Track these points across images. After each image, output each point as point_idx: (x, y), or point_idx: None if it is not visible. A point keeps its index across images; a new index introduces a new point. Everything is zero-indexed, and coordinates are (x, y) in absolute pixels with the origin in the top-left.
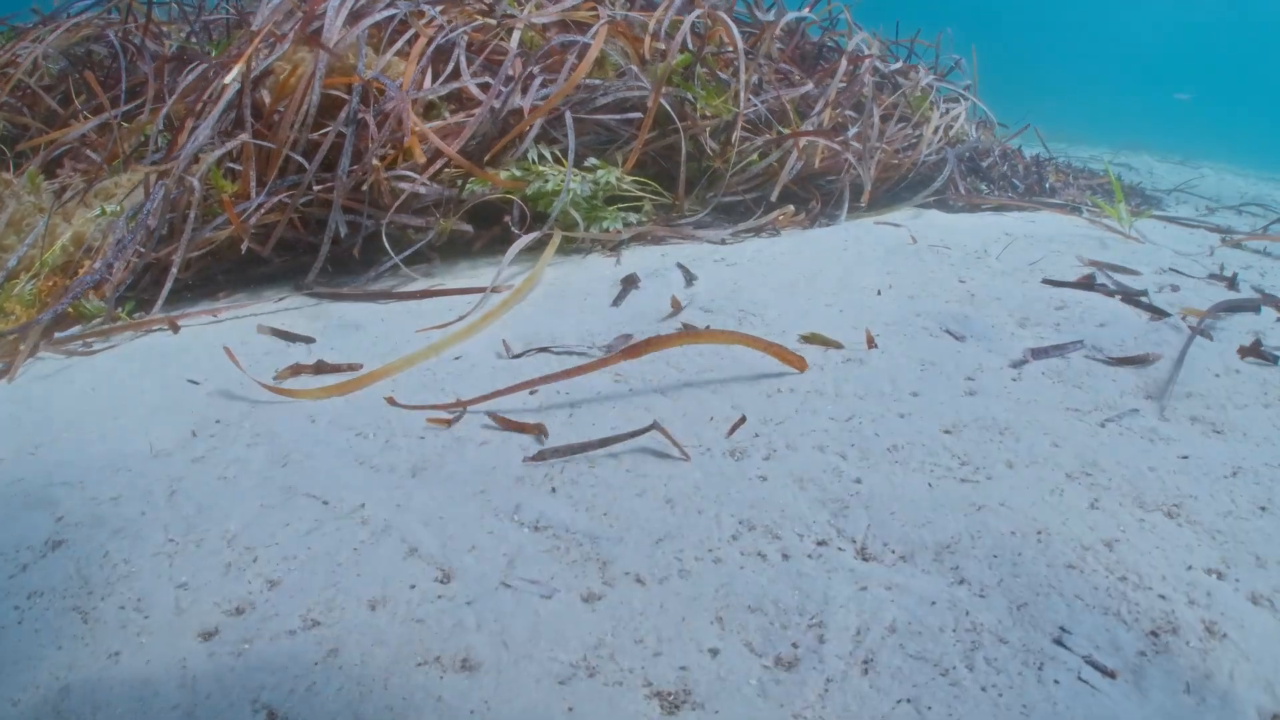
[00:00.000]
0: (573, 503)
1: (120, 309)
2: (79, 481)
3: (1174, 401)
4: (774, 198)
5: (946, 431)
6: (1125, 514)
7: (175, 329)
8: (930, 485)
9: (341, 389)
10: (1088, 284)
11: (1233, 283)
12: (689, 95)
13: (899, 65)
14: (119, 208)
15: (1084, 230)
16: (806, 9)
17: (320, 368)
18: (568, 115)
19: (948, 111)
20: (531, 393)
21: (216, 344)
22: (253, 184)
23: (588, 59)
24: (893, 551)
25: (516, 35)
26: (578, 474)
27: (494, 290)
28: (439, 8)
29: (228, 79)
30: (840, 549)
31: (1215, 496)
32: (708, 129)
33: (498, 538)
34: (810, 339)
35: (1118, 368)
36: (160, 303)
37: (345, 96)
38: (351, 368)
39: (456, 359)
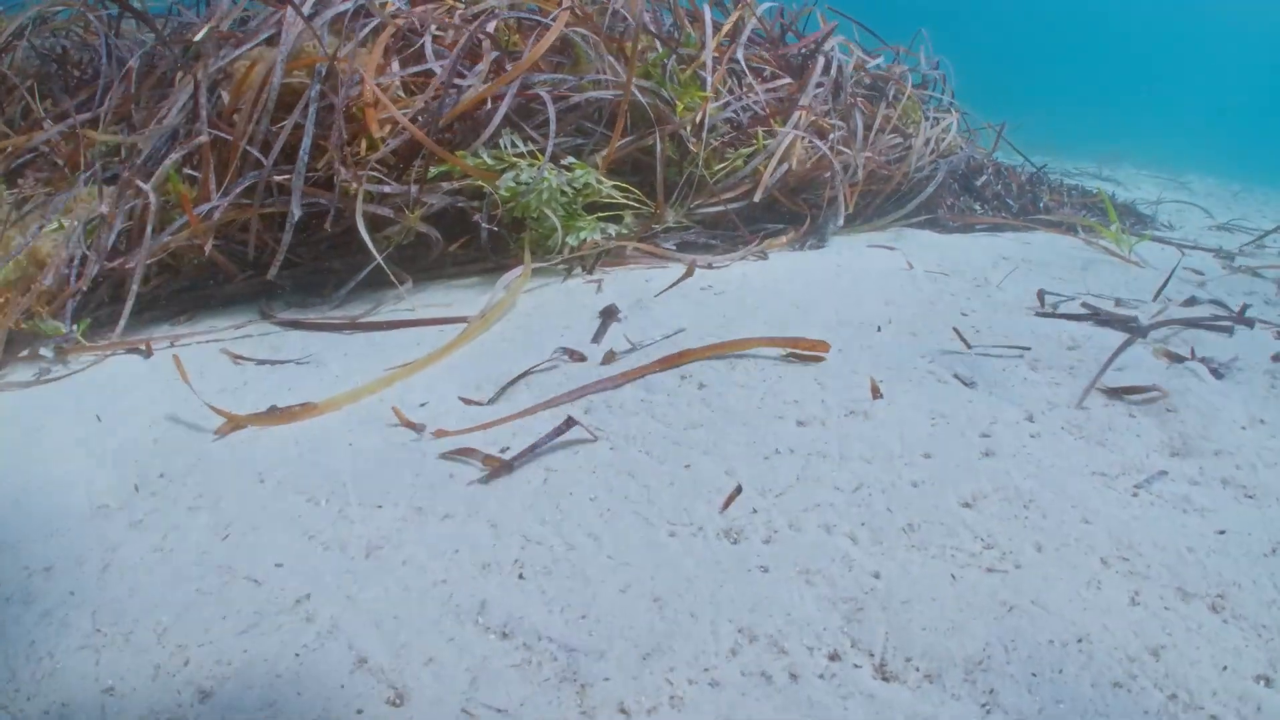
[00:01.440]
0: (545, 599)
1: (76, 327)
2: (14, 543)
3: (1202, 460)
4: (756, 198)
5: (966, 505)
6: (1169, 611)
7: (149, 352)
8: (954, 577)
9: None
10: (1095, 317)
11: (1241, 314)
12: (664, 91)
13: (881, 65)
14: (75, 222)
15: (1082, 253)
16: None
17: (272, 415)
18: (548, 99)
19: (938, 122)
20: (502, 450)
21: (171, 378)
22: (213, 185)
23: (553, 31)
24: (917, 669)
25: (491, 26)
26: (552, 559)
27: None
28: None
29: (197, 37)
30: (856, 665)
31: (1258, 583)
32: (687, 125)
33: (459, 647)
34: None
35: (1140, 419)
36: (123, 321)
37: (307, 81)
38: (307, 411)
39: (422, 405)
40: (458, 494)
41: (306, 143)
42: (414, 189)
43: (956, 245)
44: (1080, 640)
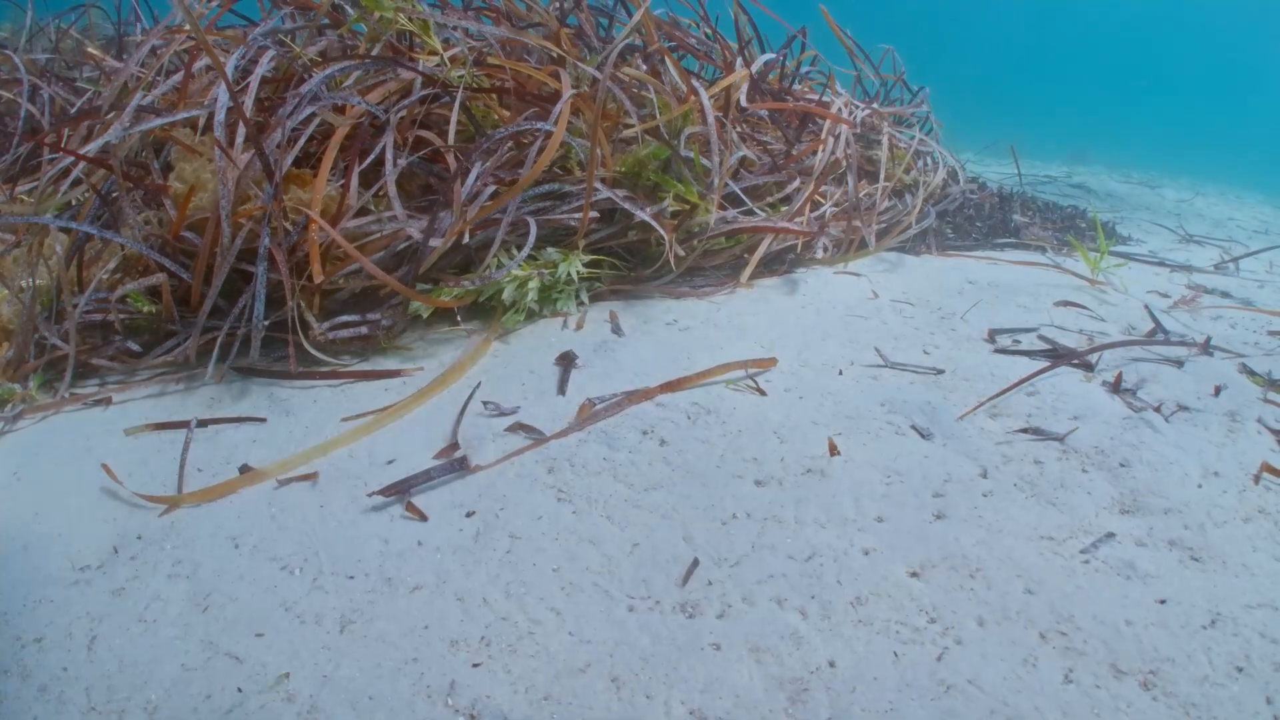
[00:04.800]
0: (511, 679)
1: (31, 383)
2: (3, 612)
3: (1152, 519)
4: (744, 279)
5: (914, 574)
6: (1100, 689)
7: (108, 402)
8: (896, 655)
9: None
10: (1054, 354)
11: (1205, 347)
12: (663, 192)
13: (868, 111)
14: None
15: (1050, 279)
16: (784, 56)
17: (244, 475)
18: (532, 223)
19: (924, 166)
20: (468, 515)
21: (138, 436)
22: (175, 312)
23: (545, 156)
24: None
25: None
26: (516, 636)
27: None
28: (364, 92)
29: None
30: None
31: (1192, 658)
32: (675, 234)
33: None
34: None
35: (1093, 474)
36: (67, 381)
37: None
38: (264, 474)
39: (390, 463)
40: (426, 563)
41: (259, 308)
42: (383, 322)
43: (924, 269)
44: None
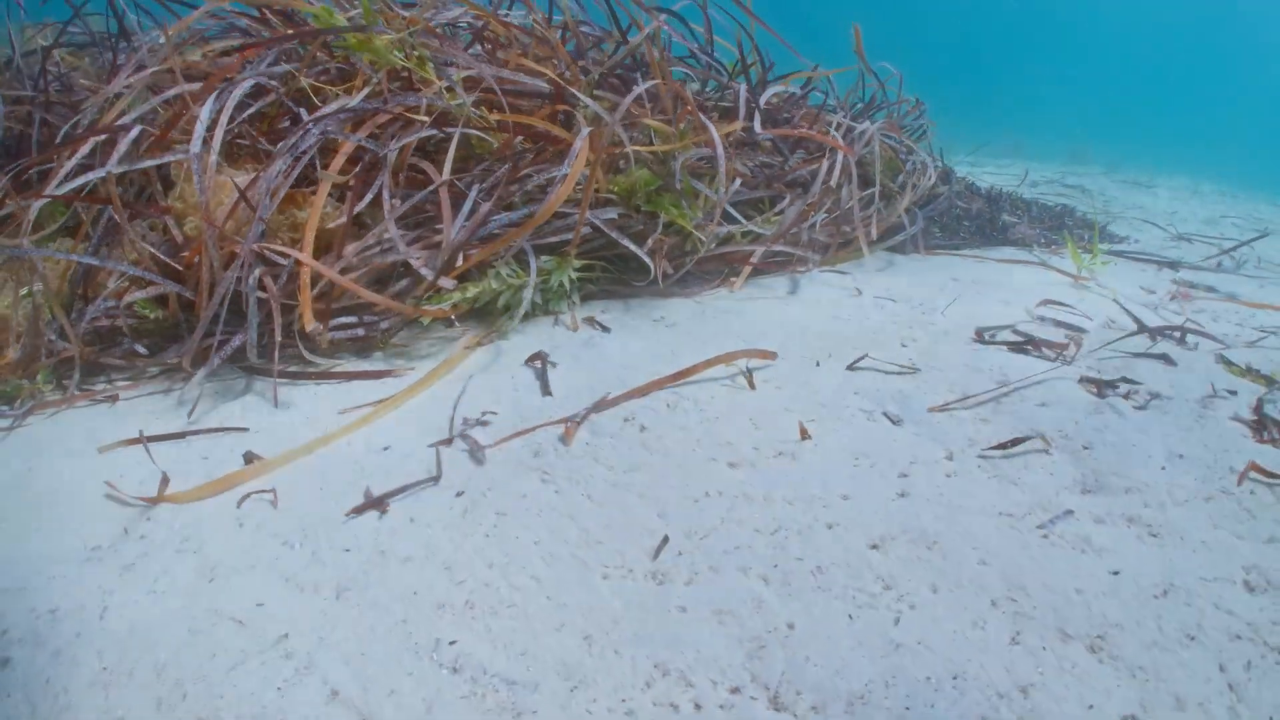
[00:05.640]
0: (491, 637)
1: (38, 379)
2: (19, 588)
3: (1112, 498)
4: (738, 288)
5: (874, 546)
6: (1046, 651)
7: (115, 399)
8: (851, 617)
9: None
10: (1030, 344)
11: (1182, 338)
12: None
13: (866, 127)
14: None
15: (1036, 276)
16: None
17: (249, 464)
18: (529, 249)
19: (914, 170)
20: (458, 494)
21: (146, 423)
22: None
23: (558, 198)
24: (805, 701)
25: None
26: (498, 601)
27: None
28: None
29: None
30: (753, 698)
31: (1142, 624)
32: (664, 256)
33: (417, 680)
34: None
35: (1056, 456)
36: (75, 379)
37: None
38: (272, 464)
39: (385, 449)
40: (417, 537)
41: (252, 335)
42: (380, 324)
43: (912, 268)
44: (955, 677)
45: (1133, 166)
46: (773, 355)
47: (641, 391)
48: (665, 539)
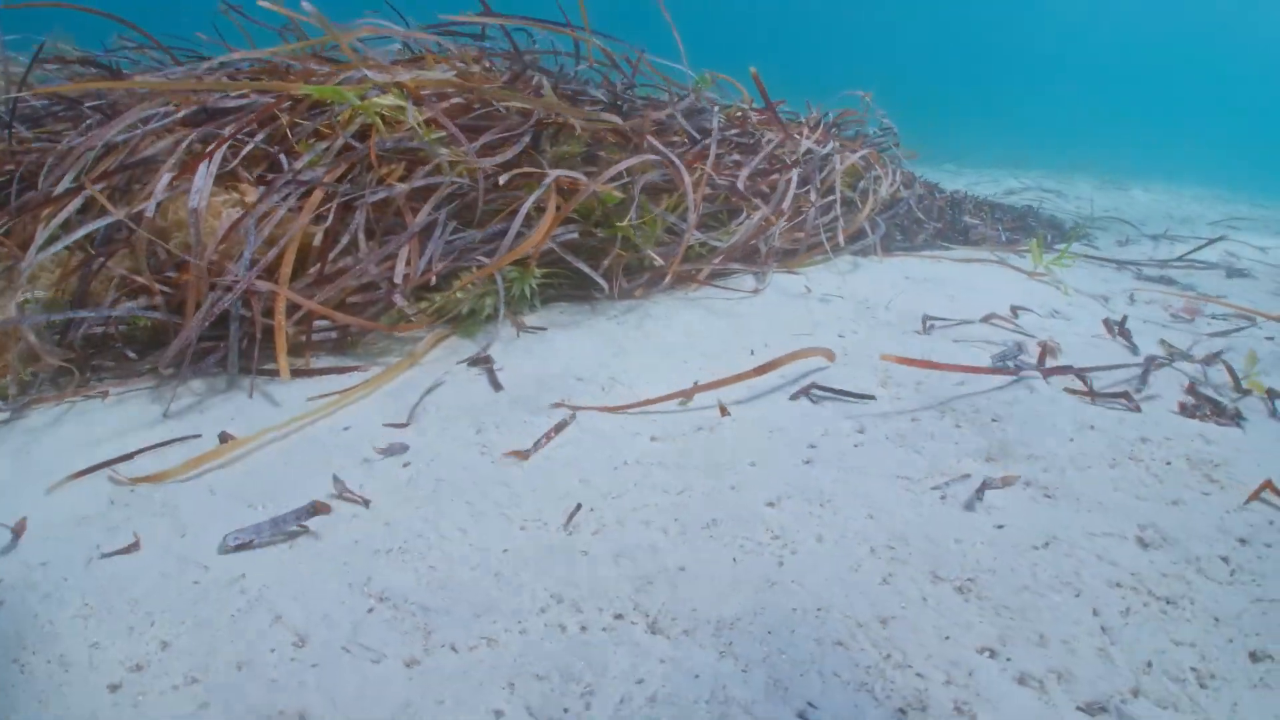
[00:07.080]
0: (416, 575)
1: (39, 376)
2: (14, 548)
3: (1014, 464)
4: (694, 290)
5: (770, 504)
6: (913, 589)
7: (105, 395)
8: (735, 560)
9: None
10: (962, 337)
11: (1122, 327)
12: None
13: (834, 146)
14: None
15: (991, 273)
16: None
17: (224, 442)
18: (499, 278)
19: (875, 178)
20: (404, 465)
21: (138, 419)
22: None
23: (536, 238)
24: (678, 626)
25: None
26: (426, 547)
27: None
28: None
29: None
30: (633, 623)
31: (1015, 570)
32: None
33: (349, 608)
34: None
35: (965, 429)
36: (75, 379)
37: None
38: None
39: (346, 429)
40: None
41: (234, 357)
42: (352, 328)
43: (868, 270)
44: (820, 609)
45: (1112, 170)
46: (831, 355)
47: (658, 401)
48: (578, 506)
